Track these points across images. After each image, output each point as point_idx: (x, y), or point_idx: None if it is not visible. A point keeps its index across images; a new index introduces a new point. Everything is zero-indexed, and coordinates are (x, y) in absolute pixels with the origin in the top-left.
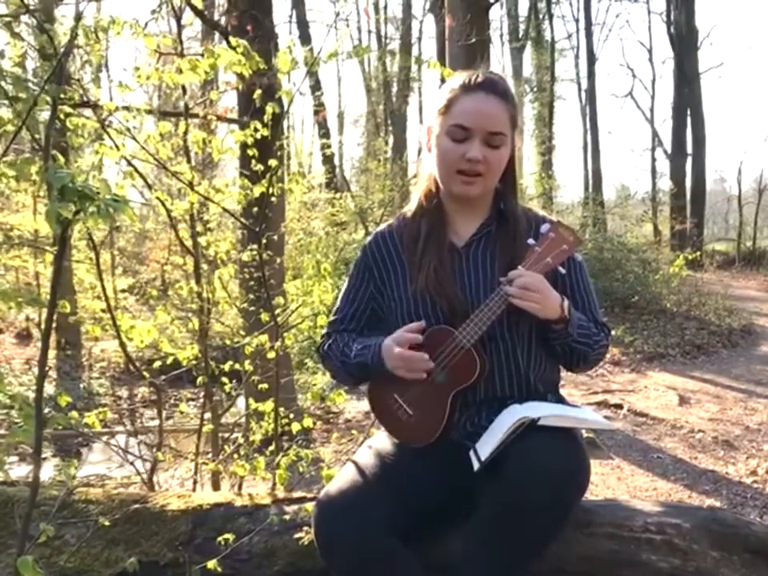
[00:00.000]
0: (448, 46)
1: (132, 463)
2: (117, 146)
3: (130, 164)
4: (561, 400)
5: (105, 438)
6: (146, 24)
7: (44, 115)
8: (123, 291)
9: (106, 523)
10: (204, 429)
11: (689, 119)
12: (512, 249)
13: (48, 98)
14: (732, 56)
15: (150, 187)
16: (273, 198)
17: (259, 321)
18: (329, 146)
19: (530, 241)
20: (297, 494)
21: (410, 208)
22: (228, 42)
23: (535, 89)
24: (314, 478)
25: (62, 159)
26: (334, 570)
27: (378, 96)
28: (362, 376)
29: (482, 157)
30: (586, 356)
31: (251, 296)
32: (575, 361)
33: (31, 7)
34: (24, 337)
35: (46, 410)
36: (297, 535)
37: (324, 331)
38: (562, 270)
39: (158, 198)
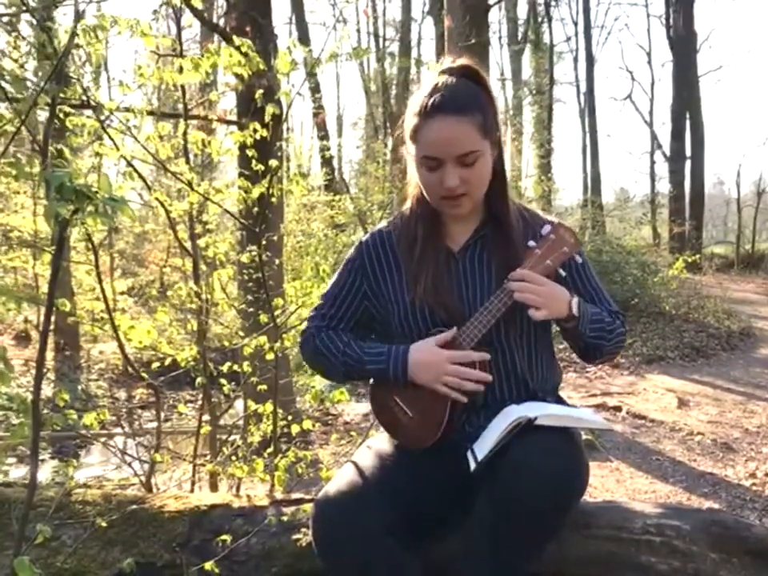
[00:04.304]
0: (447, 47)
1: (130, 465)
2: (116, 146)
3: (129, 164)
4: (560, 401)
5: (103, 440)
6: (148, 25)
7: (44, 115)
8: (122, 293)
9: (104, 524)
10: (202, 430)
11: (688, 122)
12: (507, 252)
13: (47, 98)
14: (731, 59)
15: (149, 188)
16: (273, 199)
17: (258, 322)
18: (328, 149)
19: (531, 243)
20: (295, 496)
21: (407, 208)
22: (228, 43)
23: (534, 91)
24: (312, 479)
25: (67, 153)
26: (332, 571)
27: (377, 98)
28: (367, 377)
29: (458, 181)
30: (600, 349)
31: (250, 297)
32: (591, 354)
33: (31, 6)
34: (22, 338)
35: (44, 411)
36: (295, 536)
37: (310, 324)
38: (562, 273)
39: (157, 198)
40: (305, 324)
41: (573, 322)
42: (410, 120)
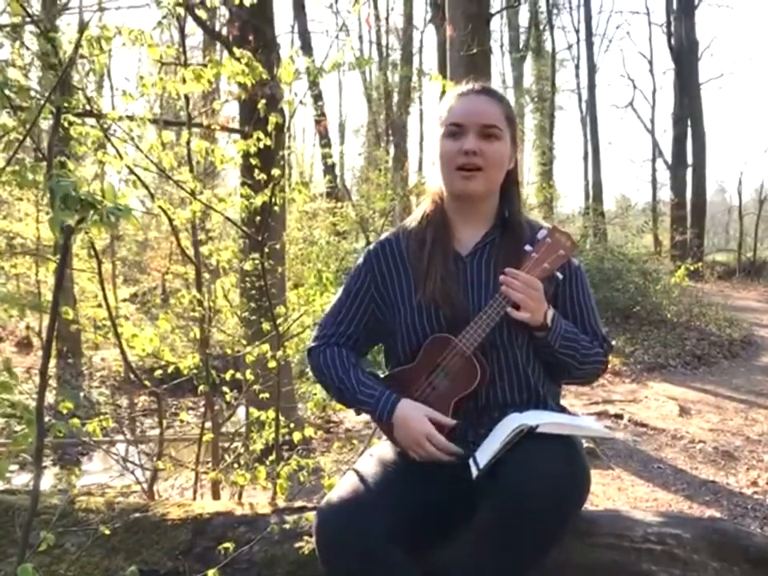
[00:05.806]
0: (449, 56)
1: (132, 472)
2: (120, 155)
3: (132, 173)
4: (562, 410)
5: (105, 447)
6: (150, 35)
7: (47, 123)
8: (125, 300)
9: (107, 532)
10: (204, 438)
11: (689, 130)
12: (516, 257)
13: (51, 107)
14: (732, 67)
15: (152, 196)
16: (275, 208)
17: (260, 330)
18: (330, 156)
19: (527, 247)
20: (297, 504)
21: (411, 219)
22: (230, 52)
23: (536, 99)
24: (314, 487)
25: (70, 165)
26: None
27: (379, 106)
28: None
29: (477, 148)
30: (568, 369)
31: (252, 305)
32: (558, 372)
33: (35, 17)
34: (24, 345)
35: (47, 419)
36: (297, 544)
37: (318, 333)
38: (560, 276)
39: (160, 206)
40: (314, 331)
41: (543, 332)
42: (445, 105)
